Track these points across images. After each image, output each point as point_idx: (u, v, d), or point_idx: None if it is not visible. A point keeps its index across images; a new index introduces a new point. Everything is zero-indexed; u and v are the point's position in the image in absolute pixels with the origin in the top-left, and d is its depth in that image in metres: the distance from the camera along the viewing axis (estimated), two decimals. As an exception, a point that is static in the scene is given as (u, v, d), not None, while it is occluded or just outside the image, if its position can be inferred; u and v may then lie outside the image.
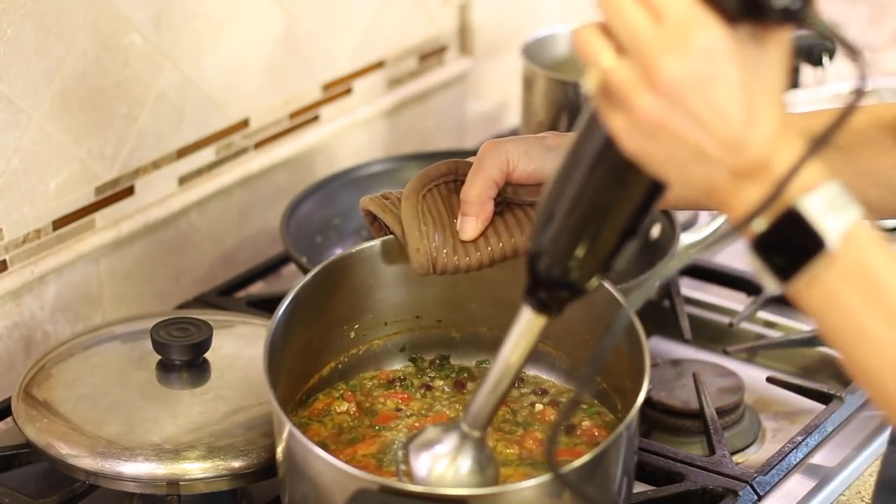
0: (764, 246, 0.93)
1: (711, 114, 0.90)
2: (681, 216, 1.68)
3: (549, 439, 1.07)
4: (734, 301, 1.63)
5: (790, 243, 0.92)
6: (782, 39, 0.92)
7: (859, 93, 0.91)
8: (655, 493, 1.31)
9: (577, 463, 1.09)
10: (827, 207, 0.91)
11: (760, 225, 0.93)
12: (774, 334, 1.58)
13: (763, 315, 1.61)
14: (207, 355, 1.34)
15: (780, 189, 0.91)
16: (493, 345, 1.31)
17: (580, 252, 1.02)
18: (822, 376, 1.53)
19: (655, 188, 0.98)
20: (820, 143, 0.92)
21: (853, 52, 0.91)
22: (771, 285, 0.94)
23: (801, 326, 1.59)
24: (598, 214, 1.00)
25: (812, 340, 1.55)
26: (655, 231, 1.60)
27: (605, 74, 0.92)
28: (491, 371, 1.11)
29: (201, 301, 1.62)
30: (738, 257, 1.73)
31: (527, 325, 1.08)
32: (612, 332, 0.99)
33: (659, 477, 1.34)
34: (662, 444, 1.38)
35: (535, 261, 1.05)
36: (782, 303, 1.62)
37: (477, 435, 1.13)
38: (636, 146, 0.93)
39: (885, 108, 1.23)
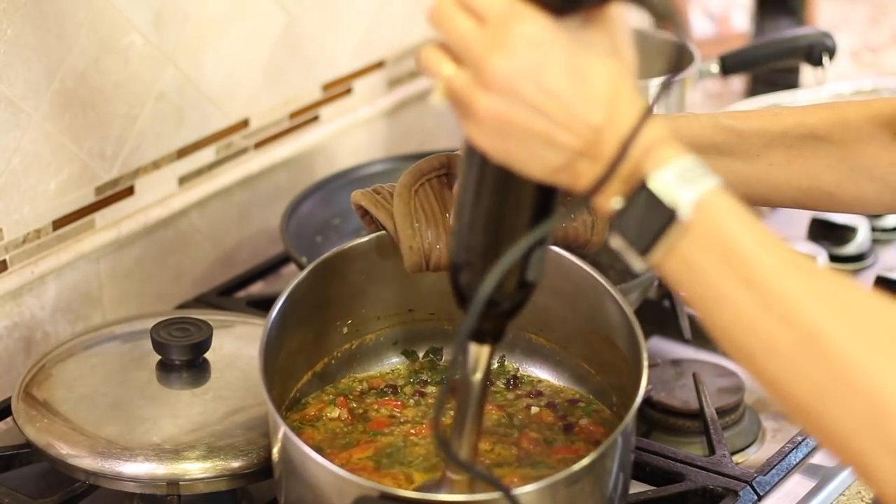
0: (624, 223, 0.96)
1: (548, 101, 0.94)
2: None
3: (441, 441, 1.06)
4: (734, 301, 1.63)
5: (647, 217, 0.94)
6: (612, 17, 0.96)
7: (682, 56, 0.94)
8: (655, 493, 1.31)
9: (576, 467, 1.10)
10: (678, 179, 0.94)
11: (618, 203, 0.96)
12: (774, 334, 1.58)
13: (763, 315, 1.61)
14: (207, 355, 1.34)
15: (618, 160, 0.94)
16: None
17: (491, 265, 1.02)
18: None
19: (544, 191, 1.00)
20: (649, 110, 0.94)
21: (664, 15, 0.94)
22: (636, 263, 0.96)
23: (801, 326, 1.60)
24: (495, 226, 1.02)
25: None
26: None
27: (447, 84, 0.97)
28: (455, 413, 1.11)
29: (201, 301, 1.62)
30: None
31: (475, 360, 1.09)
32: (492, 276, 0.99)
33: (659, 477, 1.34)
34: (662, 444, 1.38)
35: (455, 276, 1.06)
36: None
37: (464, 479, 1.12)
38: (493, 147, 0.97)
39: (884, 103, 1.24)
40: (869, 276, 1.69)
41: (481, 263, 1.03)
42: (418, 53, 0.99)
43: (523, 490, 1.08)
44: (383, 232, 1.26)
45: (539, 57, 0.93)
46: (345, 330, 1.30)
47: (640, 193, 0.95)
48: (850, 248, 1.73)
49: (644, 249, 0.95)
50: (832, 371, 0.90)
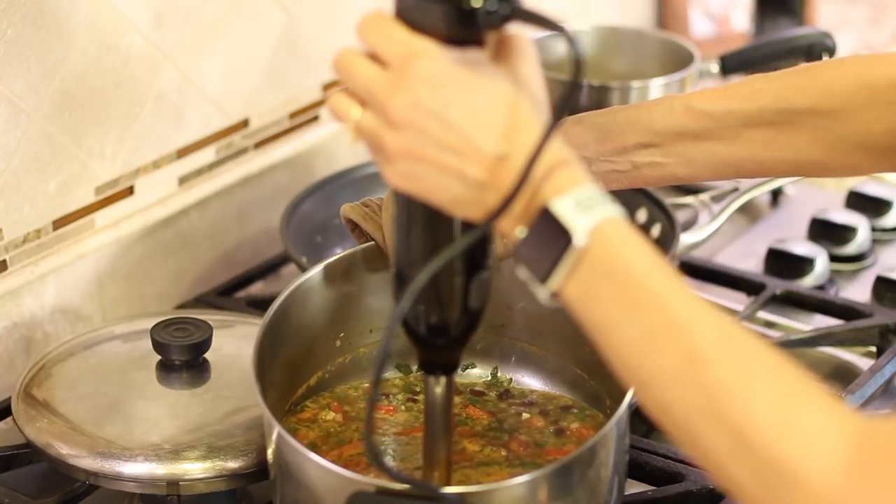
0: (526, 252, 0.97)
1: (451, 135, 0.96)
2: (681, 216, 1.68)
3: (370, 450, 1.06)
4: (734, 301, 1.63)
5: (545, 245, 0.95)
6: (517, 49, 0.99)
7: (578, 70, 0.95)
8: (655, 493, 1.31)
9: (559, 463, 1.09)
10: (577, 207, 0.95)
11: (522, 231, 0.97)
12: (774, 334, 1.58)
13: (763, 315, 1.61)
14: (207, 355, 1.34)
15: (518, 187, 0.95)
16: (477, 348, 1.32)
17: (440, 297, 1.04)
18: (822, 376, 1.53)
19: (471, 226, 1.01)
20: (547, 137, 0.95)
21: (560, 30, 0.96)
22: (540, 293, 0.97)
23: (802, 326, 1.60)
24: (428, 249, 1.03)
25: (812, 340, 1.55)
26: (656, 231, 1.59)
27: (356, 127, 0.99)
28: (424, 437, 1.12)
29: (201, 301, 1.62)
30: (738, 257, 1.73)
31: (432, 391, 1.10)
32: (406, 298, 1.01)
33: (659, 477, 1.34)
34: (662, 444, 1.38)
35: (398, 290, 1.07)
36: (782, 303, 1.62)
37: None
38: (406, 184, 0.99)
39: (876, 71, 1.22)
40: (869, 276, 1.69)
41: (428, 297, 1.05)
42: (327, 100, 1.02)
43: (512, 482, 1.08)
44: (373, 243, 1.26)
45: (440, 93, 0.96)
46: (337, 343, 1.30)
47: (541, 222, 0.96)
48: (850, 248, 1.73)
49: (543, 278, 0.96)
50: (706, 396, 0.91)
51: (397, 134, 0.97)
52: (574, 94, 0.95)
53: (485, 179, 0.97)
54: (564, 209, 0.95)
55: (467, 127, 0.96)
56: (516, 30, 1.00)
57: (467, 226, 1.02)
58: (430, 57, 0.96)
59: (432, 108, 0.96)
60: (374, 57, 0.99)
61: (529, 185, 0.96)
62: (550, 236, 0.95)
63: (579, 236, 0.94)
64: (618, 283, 0.94)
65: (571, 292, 0.96)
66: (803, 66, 1.29)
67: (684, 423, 0.93)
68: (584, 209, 0.95)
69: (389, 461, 1.21)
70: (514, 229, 0.98)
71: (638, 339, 0.94)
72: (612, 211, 0.96)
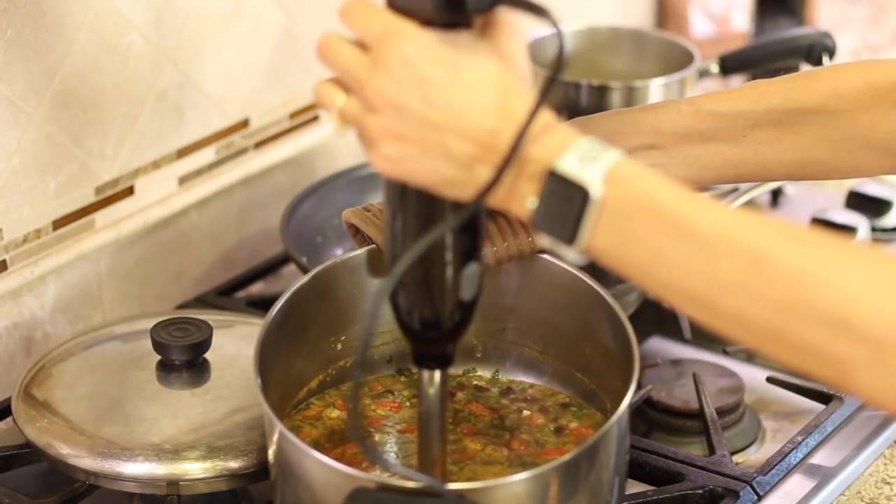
0: (544, 220, 0.97)
1: (436, 113, 0.96)
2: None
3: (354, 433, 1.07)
4: (734, 301, 1.63)
5: (563, 207, 0.96)
6: (503, 26, 0.99)
7: (561, 54, 0.97)
8: (655, 494, 1.31)
9: (562, 460, 1.09)
10: (581, 160, 0.96)
11: (532, 202, 0.97)
12: (774, 334, 1.58)
13: (763, 315, 1.61)
14: (207, 355, 1.34)
15: (513, 152, 0.96)
16: (479, 353, 1.32)
17: (430, 289, 1.05)
18: (822, 376, 1.53)
19: (461, 207, 1.01)
20: (538, 107, 0.96)
21: (544, 15, 0.97)
22: (569, 254, 0.98)
23: (801, 326, 1.60)
24: (416, 238, 1.03)
25: (812, 340, 1.55)
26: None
27: (341, 113, 0.99)
28: (419, 432, 1.13)
29: (201, 301, 1.62)
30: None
31: (428, 386, 1.10)
32: (386, 285, 1.02)
33: (659, 477, 1.34)
34: (662, 444, 1.38)
35: (398, 307, 1.08)
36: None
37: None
38: (395, 169, 0.99)
39: (881, 73, 1.23)
40: (869, 276, 1.69)
41: (422, 289, 1.06)
42: (314, 89, 1.02)
43: (513, 479, 1.08)
44: (374, 246, 1.26)
45: (419, 72, 0.95)
46: (339, 346, 1.30)
47: (550, 186, 0.96)
48: (850, 248, 1.73)
49: (570, 238, 0.97)
50: (789, 285, 0.92)
51: (378, 116, 0.97)
52: (559, 70, 0.96)
53: (474, 154, 0.97)
54: (570, 166, 0.96)
55: (450, 104, 0.96)
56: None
57: (458, 208, 1.02)
58: (407, 36, 0.96)
59: (411, 88, 0.96)
60: (359, 43, 0.99)
61: (523, 155, 0.97)
62: (565, 196, 0.96)
63: (595, 187, 0.95)
64: (652, 216, 0.95)
65: (602, 242, 0.96)
66: (808, 70, 1.30)
67: (769, 322, 0.93)
68: (589, 160, 0.96)
69: (393, 458, 1.21)
70: (523, 204, 0.98)
71: (692, 259, 0.94)
72: (617, 155, 0.96)
